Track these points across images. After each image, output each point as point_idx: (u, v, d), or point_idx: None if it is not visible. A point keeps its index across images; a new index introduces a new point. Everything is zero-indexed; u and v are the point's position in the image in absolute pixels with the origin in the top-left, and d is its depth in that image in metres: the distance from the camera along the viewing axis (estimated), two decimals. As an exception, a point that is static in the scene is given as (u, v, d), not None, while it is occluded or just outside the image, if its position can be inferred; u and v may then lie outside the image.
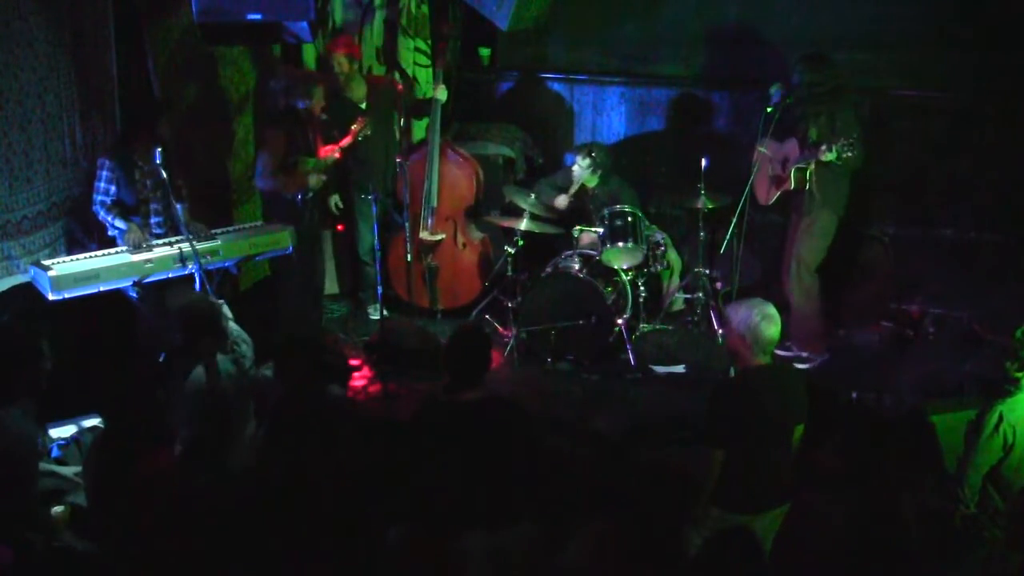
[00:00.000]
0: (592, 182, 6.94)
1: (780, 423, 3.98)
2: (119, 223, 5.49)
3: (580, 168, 6.89)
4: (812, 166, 6.10)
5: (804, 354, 6.42)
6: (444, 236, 7.12)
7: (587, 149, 6.91)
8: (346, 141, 6.35)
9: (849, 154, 5.89)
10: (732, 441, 3.90)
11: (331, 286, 7.36)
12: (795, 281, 6.39)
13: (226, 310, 5.03)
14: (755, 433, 3.91)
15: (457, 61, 8.04)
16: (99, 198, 5.49)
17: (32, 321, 4.97)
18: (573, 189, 6.95)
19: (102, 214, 5.51)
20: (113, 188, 5.48)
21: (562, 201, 6.98)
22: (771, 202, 6.48)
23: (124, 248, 5.44)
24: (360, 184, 6.78)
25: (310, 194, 6.21)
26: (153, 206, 5.65)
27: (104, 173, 5.47)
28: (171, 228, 5.71)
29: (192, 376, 4.51)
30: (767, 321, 3.92)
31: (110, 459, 3.80)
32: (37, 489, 4.19)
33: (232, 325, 5.01)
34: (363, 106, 6.78)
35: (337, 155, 6.32)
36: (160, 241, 5.56)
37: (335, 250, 7.41)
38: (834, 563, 4.30)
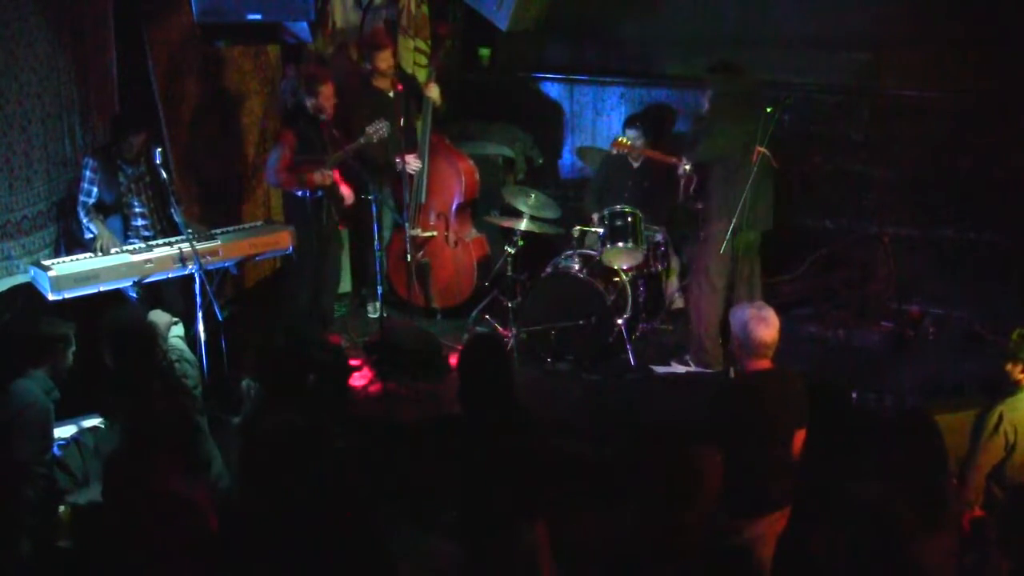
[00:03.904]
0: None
1: (779, 426, 3.98)
2: (92, 227, 5.48)
3: (631, 139, 6.89)
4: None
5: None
6: (435, 233, 7.13)
7: (633, 119, 7.08)
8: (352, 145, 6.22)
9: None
10: (731, 444, 3.89)
11: (343, 284, 7.32)
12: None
13: (176, 329, 4.77)
14: (754, 436, 3.91)
15: (457, 61, 8.03)
16: (81, 198, 5.48)
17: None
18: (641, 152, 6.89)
19: (81, 215, 5.50)
20: (95, 189, 5.48)
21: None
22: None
23: (122, 248, 5.43)
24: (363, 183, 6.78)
25: (319, 193, 6.21)
26: (137, 208, 5.64)
27: (87, 173, 5.46)
28: (162, 229, 5.70)
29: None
30: (759, 323, 3.92)
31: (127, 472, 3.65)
32: (51, 451, 4.37)
33: (176, 342, 4.78)
34: (391, 95, 6.78)
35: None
36: (160, 241, 5.56)
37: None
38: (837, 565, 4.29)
